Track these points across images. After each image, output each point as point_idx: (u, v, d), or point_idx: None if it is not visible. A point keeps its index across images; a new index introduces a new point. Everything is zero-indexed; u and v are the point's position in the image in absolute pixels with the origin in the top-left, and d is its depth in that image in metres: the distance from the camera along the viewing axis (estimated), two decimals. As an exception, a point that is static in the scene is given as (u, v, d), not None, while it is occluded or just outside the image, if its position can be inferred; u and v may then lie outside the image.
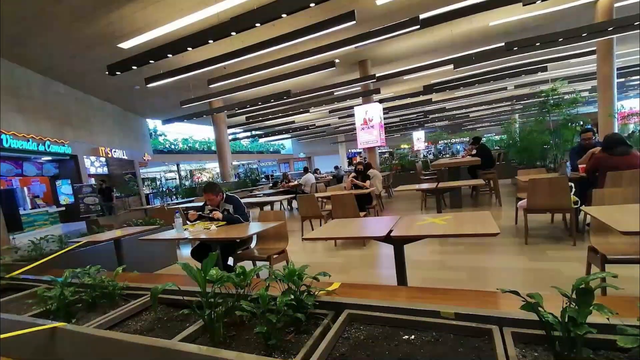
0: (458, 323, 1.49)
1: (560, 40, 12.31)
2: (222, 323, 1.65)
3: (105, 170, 22.10)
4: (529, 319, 1.33)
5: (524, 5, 9.04)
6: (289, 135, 42.03)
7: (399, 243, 3.33)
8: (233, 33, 9.22)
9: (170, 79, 12.89)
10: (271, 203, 11.41)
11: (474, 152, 12.47)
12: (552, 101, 11.22)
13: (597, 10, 13.69)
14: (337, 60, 15.37)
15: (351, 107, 22.53)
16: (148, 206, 17.80)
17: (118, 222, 9.06)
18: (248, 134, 36.23)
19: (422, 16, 10.11)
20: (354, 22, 9.20)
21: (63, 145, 17.80)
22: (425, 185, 8.98)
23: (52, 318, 2.02)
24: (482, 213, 3.53)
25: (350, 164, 43.62)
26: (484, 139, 28.65)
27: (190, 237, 4.72)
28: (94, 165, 20.86)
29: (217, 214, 5.42)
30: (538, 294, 1.25)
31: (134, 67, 11.19)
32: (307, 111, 24.99)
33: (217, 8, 10.94)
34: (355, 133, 19.59)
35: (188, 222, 5.61)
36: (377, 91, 19.50)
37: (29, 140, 15.56)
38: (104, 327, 1.86)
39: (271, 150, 49.16)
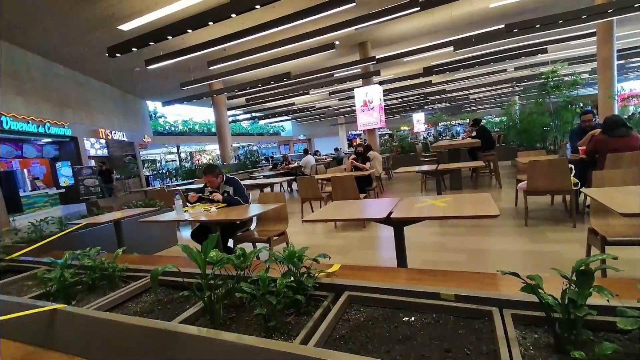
0: (458, 305, 1.49)
1: (560, 22, 12.23)
2: (222, 305, 1.65)
3: (105, 152, 22.10)
4: (529, 300, 1.33)
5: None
6: (289, 117, 41.91)
7: (398, 225, 3.33)
8: (233, 15, 9.17)
9: (170, 60, 12.88)
10: (271, 185, 11.43)
11: (474, 134, 12.44)
12: (552, 83, 11.16)
13: (597, -8, 13.56)
14: (337, 42, 15.30)
15: (351, 89, 22.46)
16: (148, 188, 17.84)
17: (118, 204, 9.07)
18: (248, 115, 36.17)
19: (422, -2, 10.03)
20: (353, 3, 9.13)
21: (63, 127, 17.75)
22: (425, 167, 8.98)
23: (52, 300, 2.02)
24: (482, 195, 3.52)
25: (350, 145, 43.61)
26: (484, 120, 28.60)
27: (190, 219, 4.73)
28: (93, 147, 20.85)
29: (217, 196, 5.42)
30: (538, 276, 1.25)
31: (134, 49, 11.15)
32: (307, 93, 24.93)
33: (217, -11, 10.84)
34: (355, 115, 19.56)
35: (188, 204, 5.62)
36: (377, 73, 19.44)
37: (29, 122, 15.52)
38: (104, 309, 1.87)
39: (271, 132, 49.05)
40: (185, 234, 8.83)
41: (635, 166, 4.94)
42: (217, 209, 5.05)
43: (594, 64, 16.42)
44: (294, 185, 15.39)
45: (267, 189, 11.61)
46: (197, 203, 5.50)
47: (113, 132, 21.88)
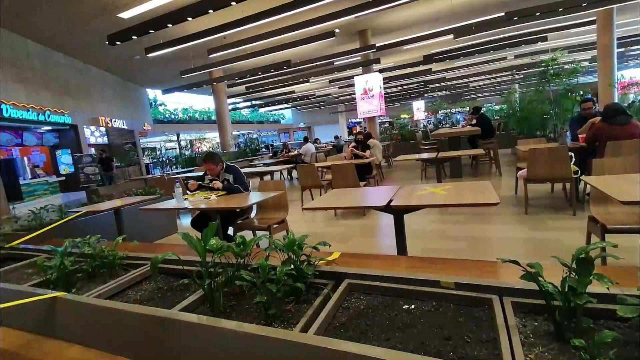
0: (458, 293, 1.49)
1: (560, 10, 12.20)
2: (222, 293, 1.65)
3: (105, 140, 22.09)
4: (529, 288, 1.33)
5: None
6: (289, 105, 41.83)
7: (398, 213, 3.33)
8: (233, 3, 9.15)
9: (170, 48, 12.86)
10: (271, 173, 11.43)
11: (474, 121, 12.43)
12: (552, 71, 11.13)
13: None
14: (337, 30, 15.23)
15: (351, 77, 22.38)
16: (148, 176, 17.82)
17: (118, 192, 9.07)
18: (248, 103, 36.13)
19: (422, -15, 9.99)
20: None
21: (63, 115, 17.77)
22: (425, 155, 8.97)
23: (52, 288, 2.02)
24: (482, 183, 3.52)
25: (350, 133, 43.45)
26: (484, 108, 28.49)
27: (190, 207, 4.73)
28: (94, 135, 20.85)
29: (217, 184, 5.41)
30: (538, 264, 1.24)
31: (134, 37, 11.14)
32: (307, 81, 24.89)
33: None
34: (355, 103, 19.52)
35: (188, 191, 5.62)
36: (377, 61, 19.36)
37: (29, 110, 15.54)
38: (103, 297, 1.87)
39: (271, 120, 48.94)
40: (186, 222, 8.84)
41: (635, 154, 4.94)
42: (217, 196, 5.04)
43: (594, 51, 16.38)
44: (294, 173, 15.37)
45: (267, 177, 11.61)
46: (197, 191, 5.49)
47: (113, 120, 21.87)
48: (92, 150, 19.54)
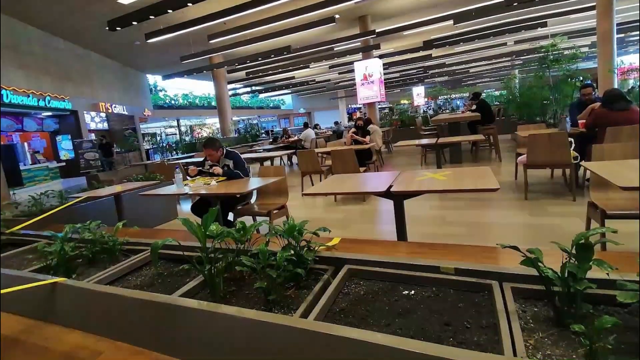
0: (458, 278, 1.49)
1: (560, -5, 12.15)
2: (222, 278, 1.65)
3: (105, 125, 22.06)
4: (528, 274, 1.33)
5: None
6: (289, 91, 41.68)
7: (398, 198, 3.32)
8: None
9: (170, 34, 12.86)
10: (271, 158, 11.43)
11: (474, 107, 12.39)
12: (551, 57, 11.10)
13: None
14: (337, 16, 15.15)
15: (351, 63, 22.29)
16: (148, 161, 17.79)
17: (118, 178, 9.08)
18: (248, 89, 36.05)
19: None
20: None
21: (63, 101, 17.77)
22: (425, 141, 8.95)
23: (52, 273, 2.02)
24: (481, 168, 3.51)
25: (350, 119, 43.36)
26: (484, 94, 28.42)
27: (191, 193, 4.72)
28: (94, 121, 20.82)
29: (217, 170, 5.40)
30: (538, 249, 1.24)
31: (134, 23, 11.12)
32: (307, 67, 24.83)
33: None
34: (355, 88, 19.47)
35: (188, 177, 5.61)
36: (377, 47, 19.30)
37: (29, 96, 15.54)
38: (104, 283, 1.87)
39: (271, 105, 48.82)
40: (186, 207, 8.84)
41: (634, 139, 4.93)
42: (217, 182, 5.04)
43: (594, 37, 16.29)
44: (294, 159, 15.35)
45: (267, 163, 11.60)
46: (197, 177, 5.48)
47: (113, 105, 21.84)
48: (92, 136, 19.50)
